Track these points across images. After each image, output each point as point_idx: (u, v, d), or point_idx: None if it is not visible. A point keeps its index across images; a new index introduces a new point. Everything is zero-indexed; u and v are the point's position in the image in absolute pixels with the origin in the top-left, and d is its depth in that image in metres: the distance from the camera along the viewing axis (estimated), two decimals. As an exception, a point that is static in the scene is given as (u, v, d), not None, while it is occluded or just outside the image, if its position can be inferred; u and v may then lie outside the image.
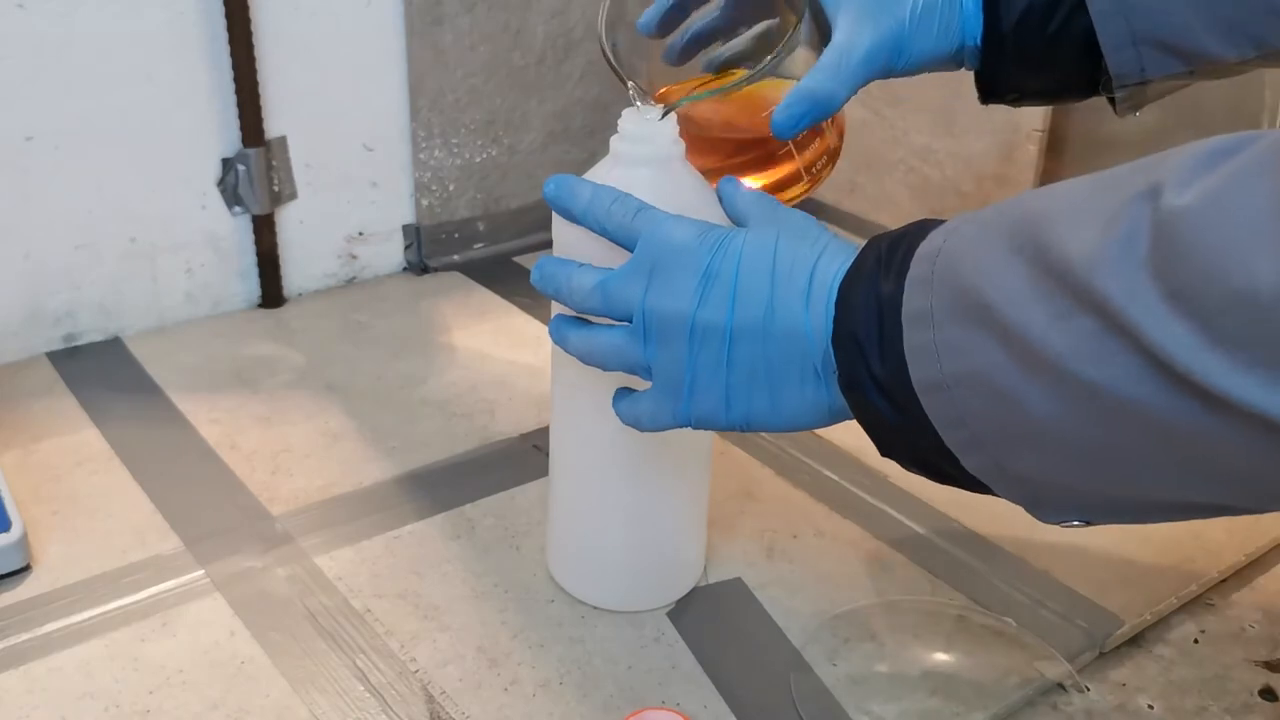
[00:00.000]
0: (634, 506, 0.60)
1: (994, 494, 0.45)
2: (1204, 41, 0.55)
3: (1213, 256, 0.34)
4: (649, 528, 0.61)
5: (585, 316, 0.53)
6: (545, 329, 0.59)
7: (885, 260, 0.45)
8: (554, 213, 0.54)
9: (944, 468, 0.44)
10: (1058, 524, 0.45)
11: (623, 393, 0.53)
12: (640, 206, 0.50)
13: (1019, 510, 0.44)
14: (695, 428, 0.51)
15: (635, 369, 0.51)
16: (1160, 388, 0.36)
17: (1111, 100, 0.58)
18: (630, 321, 0.50)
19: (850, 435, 0.47)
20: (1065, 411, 0.39)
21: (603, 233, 0.51)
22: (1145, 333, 0.35)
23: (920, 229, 0.45)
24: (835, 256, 0.47)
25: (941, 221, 0.45)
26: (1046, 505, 0.44)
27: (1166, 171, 0.36)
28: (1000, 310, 0.39)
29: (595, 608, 0.63)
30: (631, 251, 0.50)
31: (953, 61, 0.59)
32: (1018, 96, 0.60)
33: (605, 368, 0.52)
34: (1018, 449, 0.42)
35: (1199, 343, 0.34)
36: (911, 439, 0.44)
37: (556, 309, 0.55)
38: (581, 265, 0.52)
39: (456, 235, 1.05)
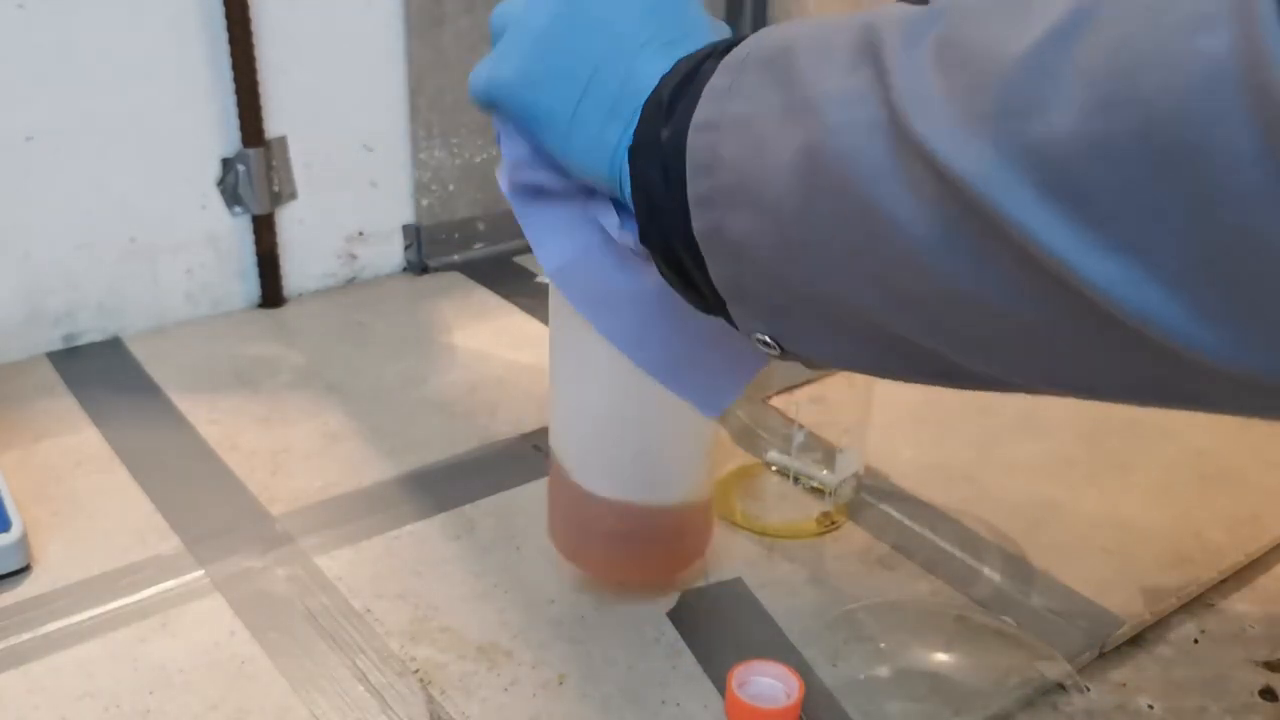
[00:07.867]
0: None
1: (713, 290, 0.44)
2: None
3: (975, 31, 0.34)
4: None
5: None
6: (545, 329, 0.59)
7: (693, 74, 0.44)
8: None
9: (685, 263, 0.45)
10: (750, 335, 0.45)
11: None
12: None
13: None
14: (493, 92, 0.49)
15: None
16: (882, 141, 0.36)
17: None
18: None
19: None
20: (795, 168, 0.39)
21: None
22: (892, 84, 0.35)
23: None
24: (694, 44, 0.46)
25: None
26: (748, 298, 0.44)
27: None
28: (799, 59, 0.40)
29: (596, 609, 0.63)
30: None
31: None
32: None
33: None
34: (741, 207, 0.41)
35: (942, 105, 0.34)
36: (669, 219, 0.44)
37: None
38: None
39: (456, 235, 1.05)
